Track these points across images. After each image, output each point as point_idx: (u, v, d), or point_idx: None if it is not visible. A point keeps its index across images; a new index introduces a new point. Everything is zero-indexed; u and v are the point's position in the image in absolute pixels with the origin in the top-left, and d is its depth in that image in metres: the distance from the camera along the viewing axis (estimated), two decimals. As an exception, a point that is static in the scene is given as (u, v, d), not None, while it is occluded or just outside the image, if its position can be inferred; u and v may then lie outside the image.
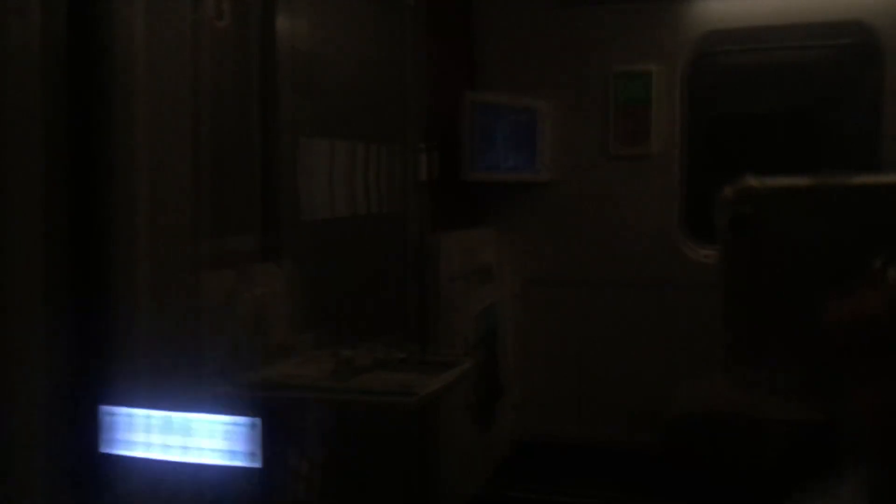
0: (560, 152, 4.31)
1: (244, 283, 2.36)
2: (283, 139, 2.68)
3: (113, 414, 1.25)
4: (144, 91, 1.18)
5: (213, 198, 2.27)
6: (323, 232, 2.89)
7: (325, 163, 2.91)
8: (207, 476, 1.51)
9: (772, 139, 4.29)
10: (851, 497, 0.56)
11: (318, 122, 2.90)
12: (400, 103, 3.52)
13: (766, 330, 0.56)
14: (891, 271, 0.50)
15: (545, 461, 4.17)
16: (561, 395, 4.29)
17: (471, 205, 4.34)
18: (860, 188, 0.55)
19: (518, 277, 4.32)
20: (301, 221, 2.76)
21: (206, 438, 1.46)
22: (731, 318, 0.57)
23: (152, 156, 1.19)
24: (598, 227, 4.26)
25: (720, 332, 0.57)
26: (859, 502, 0.54)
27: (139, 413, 1.27)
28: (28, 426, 1.19)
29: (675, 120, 4.17)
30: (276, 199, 2.66)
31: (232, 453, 1.56)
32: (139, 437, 1.29)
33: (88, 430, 1.21)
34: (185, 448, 1.42)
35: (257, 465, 1.53)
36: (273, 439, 2.45)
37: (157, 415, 1.30)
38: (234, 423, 1.53)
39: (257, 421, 1.48)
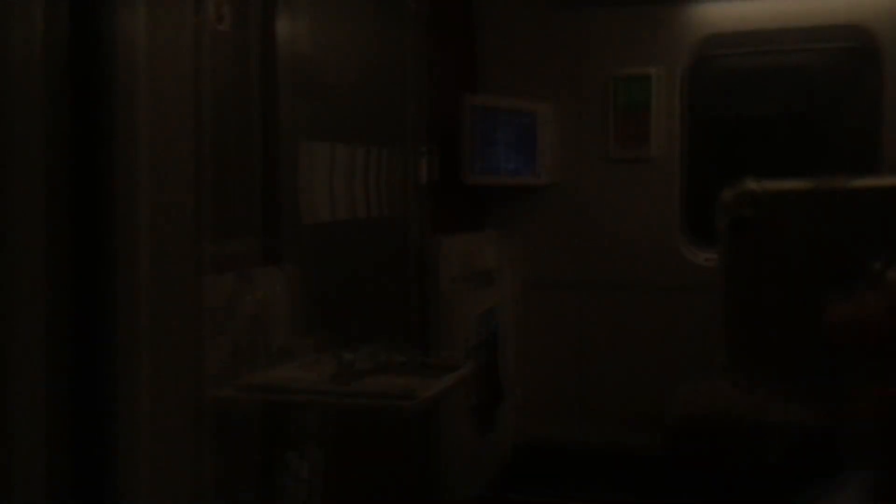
0: (560, 156, 4.31)
1: (245, 286, 2.36)
2: (285, 142, 2.68)
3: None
4: (146, 94, 1.18)
5: (215, 201, 2.28)
6: (324, 235, 2.89)
7: (325, 166, 2.91)
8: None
9: (771, 142, 4.30)
10: (853, 497, 0.56)
11: (319, 125, 2.90)
12: (401, 106, 3.52)
13: (766, 332, 0.56)
14: (890, 273, 0.51)
15: (546, 464, 4.17)
16: (562, 398, 4.30)
17: (471, 208, 4.34)
18: (859, 191, 0.56)
19: (518, 280, 4.33)
20: (302, 225, 2.76)
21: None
22: (731, 320, 0.57)
23: (154, 159, 1.19)
24: (598, 230, 4.27)
25: (720, 335, 0.58)
26: (861, 502, 0.54)
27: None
28: (26, 431, 1.19)
29: (675, 123, 4.18)
30: (278, 202, 2.67)
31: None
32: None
33: (88, 435, 1.21)
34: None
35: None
36: (274, 443, 2.45)
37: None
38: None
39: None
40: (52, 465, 1.20)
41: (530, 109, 4.24)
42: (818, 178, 0.54)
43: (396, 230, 3.49)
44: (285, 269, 2.61)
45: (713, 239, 0.56)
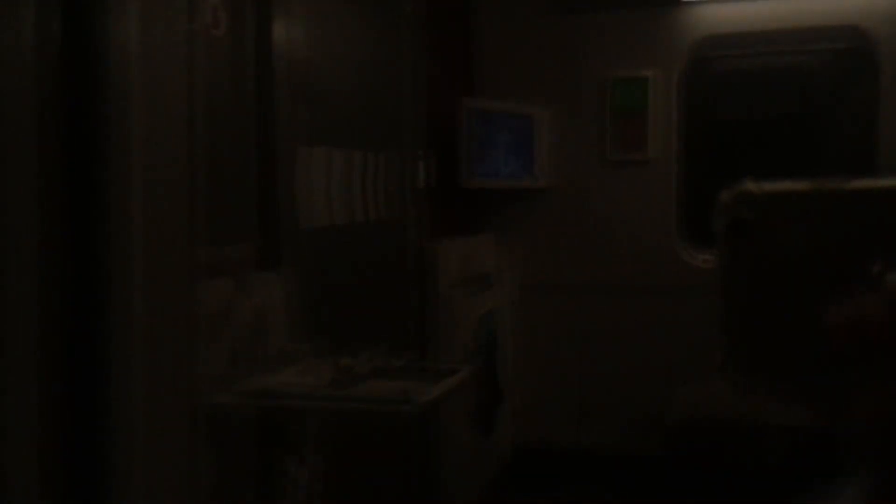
0: (558, 158, 4.32)
1: (242, 291, 2.35)
2: (282, 147, 2.68)
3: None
4: (139, 99, 1.17)
5: (211, 206, 2.27)
6: (321, 240, 2.89)
7: (323, 170, 2.91)
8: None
9: (768, 144, 4.30)
10: (852, 498, 0.56)
11: (316, 129, 2.90)
12: (398, 110, 3.52)
13: (764, 333, 0.56)
14: (888, 276, 0.50)
15: (545, 467, 4.17)
16: (560, 401, 4.29)
17: (469, 211, 4.34)
18: (857, 193, 0.55)
19: (517, 283, 4.32)
20: (299, 229, 2.76)
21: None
22: (729, 322, 0.57)
23: (148, 164, 1.19)
24: (596, 233, 4.27)
25: (719, 336, 0.57)
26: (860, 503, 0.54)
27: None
28: (19, 437, 1.18)
29: (672, 125, 4.18)
30: (275, 207, 2.66)
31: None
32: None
33: (82, 441, 1.20)
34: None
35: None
36: (272, 448, 2.45)
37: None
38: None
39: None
40: (46, 472, 1.19)
41: (527, 112, 4.24)
42: (816, 180, 0.54)
43: (394, 234, 3.48)
44: (283, 273, 2.61)
45: (711, 241, 0.56)
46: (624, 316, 4.21)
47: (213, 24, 2.41)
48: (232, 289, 2.32)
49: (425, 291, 3.57)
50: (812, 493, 0.63)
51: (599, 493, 3.98)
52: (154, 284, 1.17)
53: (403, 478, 3.35)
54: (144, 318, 1.16)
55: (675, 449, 3.85)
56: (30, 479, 1.17)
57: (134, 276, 1.14)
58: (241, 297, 2.34)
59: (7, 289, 1.15)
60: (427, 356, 3.34)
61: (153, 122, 1.20)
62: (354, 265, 3.10)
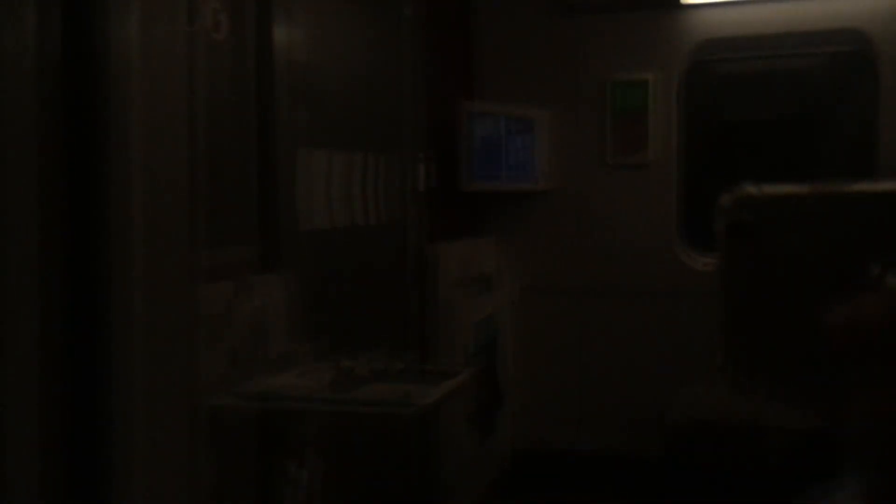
0: (558, 161, 4.32)
1: (243, 293, 2.35)
2: (282, 150, 2.68)
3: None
4: (139, 102, 1.18)
5: (212, 208, 2.27)
6: (322, 242, 2.89)
7: (323, 173, 2.91)
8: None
9: (769, 146, 4.30)
10: (850, 500, 0.56)
11: (316, 132, 2.90)
12: (398, 113, 3.53)
13: (765, 337, 0.56)
14: (889, 278, 0.50)
15: (545, 470, 4.16)
16: (561, 404, 4.29)
17: (469, 214, 4.34)
18: (858, 195, 0.55)
19: (517, 286, 4.32)
20: (300, 232, 2.76)
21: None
22: (730, 325, 0.57)
23: (148, 167, 1.19)
24: (596, 236, 4.27)
25: (718, 339, 0.57)
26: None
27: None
28: (20, 440, 1.18)
29: (673, 128, 4.18)
30: (275, 209, 2.66)
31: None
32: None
33: (83, 443, 1.20)
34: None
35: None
36: (272, 450, 2.44)
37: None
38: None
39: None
40: (47, 473, 1.19)
41: (528, 115, 4.25)
42: (817, 183, 0.54)
43: (395, 237, 3.48)
44: (283, 276, 2.61)
45: (711, 244, 0.56)
46: (624, 318, 4.21)
47: (214, 27, 2.41)
48: (232, 291, 2.32)
49: (425, 294, 3.57)
50: (811, 495, 0.63)
51: (599, 495, 3.98)
52: (154, 287, 1.17)
53: (403, 480, 3.35)
54: (145, 320, 1.16)
55: (674, 451, 3.85)
56: (31, 479, 1.17)
57: (134, 278, 1.15)
58: (242, 299, 2.34)
59: (8, 291, 1.15)
60: (427, 359, 3.34)
61: (153, 125, 1.20)
62: (355, 268, 3.10)
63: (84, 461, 1.20)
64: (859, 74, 4.01)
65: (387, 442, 3.11)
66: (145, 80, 1.17)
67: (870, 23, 3.86)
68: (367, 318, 3.11)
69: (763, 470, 3.23)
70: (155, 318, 1.18)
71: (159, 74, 1.21)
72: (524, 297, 4.34)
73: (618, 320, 4.23)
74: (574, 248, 4.30)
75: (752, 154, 4.32)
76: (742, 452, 3.44)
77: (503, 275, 4.23)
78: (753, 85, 4.32)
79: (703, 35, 4.13)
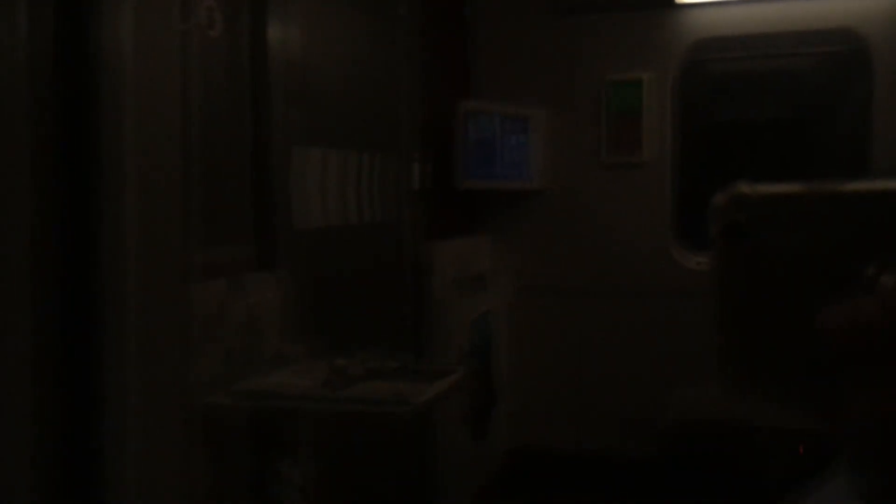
0: (553, 160, 4.32)
1: (237, 292, 2.35)
2: (277, 148, 2.67)
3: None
4: (132, 100, 1.17)
5: (206, 207, 2.27)
6: (316, 241, 2.88)
7: (318, 171, 2.90)
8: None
9: (763, 146, 4.31)
10: (843, 499, 0.56)
11: (311, 130, 2.90)
12: (394, 111, 3.52)
13: (759, 337, 0.56)
14: (884, 278, 0.50)
15: (540, 470, 4.16)
16: (556, 404, 4.29)
17: (464, 213, 4.34)
18: (853, 195, 0.55)
19: (512, 285, 4.32)
20: (295, 230, 2.76)
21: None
22: (724, 326, 0.57)
23: (141, 165, 1.18)
24: (591, 235, 4.27)
25: (713, 340, 0.57)
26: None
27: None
28: (12, 440, 1.18)
29: (668, 127, 4.19)
30: (270, 208, 2.66)
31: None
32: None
33: (76, 443, 1.20)
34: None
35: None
36: (267, 450, 2.44)
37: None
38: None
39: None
40: (41, 475, 1.19)
41: (523, 114, 4.24)
42: (812, 182, 0.53)
43: (389, 235, 3.48)
44: (278, 274, 2.61)
45: (706, 243, 0.56)
46: (619, 318, 4.21)
47: (209, 25, 2.41)
48: (226, 290, 2.32)
49: (420, 293, 3.56)
50: (807, 496, 0.62)
51: (594, 495, 3.98)
52: (148, 286, 1.16)
53: (398, 479, 3.35)
54: (138, 319, 1.15)
55: (670, 451, 3.85)
56: (25, 479, 1.17)
57: (127, 277, 1.14)
58: (236, 298, 2.34)
59: (0, 290, 1.15)
60: (422, 357, 3.34)
61: (146, 123, 1.19)
62: (349, 266, 3.10)
63: (78, 461, 1.19)
64: (853, 74, 4.01)
65: (381, 441, 3.11)
66: (138, 78, 1.17)
67: (864, 23, 3.86)
68: (362, 317, 3.10)
69: (758, 470, 3.24)
70: (148, 317, 1.18)
71: (152, 72, 1.20)
72: (519, 296, 4.34)
73: (613, 320, 4.23)
74: (569, 247, 4.30)
75: (747, 153, 4.33)
76: (737, 453, 3.44)
77: (498, 274, 4.22)
78: (748, 84, 4.33)
79: (698, 35, 4.13)
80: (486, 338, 4.04)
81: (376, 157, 3.30)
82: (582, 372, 4.26)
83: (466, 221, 4.34)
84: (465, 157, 4.04)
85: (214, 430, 2.20)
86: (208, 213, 2.33)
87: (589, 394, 4.23)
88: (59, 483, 1.21)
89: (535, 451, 4.22)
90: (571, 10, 4.25)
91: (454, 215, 4.22)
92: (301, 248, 2.78)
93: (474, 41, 4.39)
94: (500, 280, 4.23)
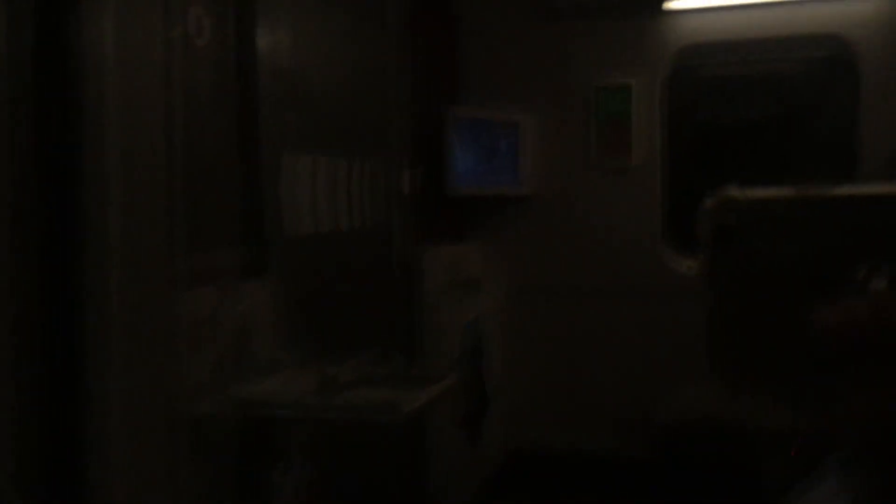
0: (543, 165, 4.33)
1: (228, 299, 2.34)
2: (268, 154, 2.67)
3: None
4: (115, 106, 1.16)
5: (196, 213, 2.26)
6: (307, 247, 2.88)
7: (309, 178, 2.90)
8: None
9: (751, 150, 4.33)
10: (835, 500, 0.56)
11: (302, 137, 2.89)
12: (384, 117, 3.52)
13: (749, 340, 0.56)
14: (874, 281, 0.50)
15: (534, 472, 4.16)
16: (549, 406, 4.29)
17: (455, 218, 4.34)
18: (843, 199, 0.55)
19: (503, 289, 4.33)
20: (285, 236, 2.75)
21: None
22: (714, 329, 0.57)
23: (125, 171, 1.18)
24: (581, 239, 4.28)
25: (704, 343, 0.58)
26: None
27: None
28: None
29: (656, 132, 4.20)
30: (260, 214, 2.66)
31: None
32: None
33: (60, 450, 1.19)
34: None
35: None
36: (258, 457, 2.43)
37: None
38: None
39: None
40: (23, 483, 1.18)
41: (513, 120, 4.25)
42: (801, 185, 0.54)
43: (380, 241, 3.48)
44: (268, 281, 2.60)
45: (696, 247, 0.56)
46: (610, 321, 4.22)
47: (197, 33, 2.40)
48: (217, 297, 2.31)
49: (411, 298, 3.56)
50: (800, 496, 0.63)
51: (588, 496, 3.98)
52: (132, 292, 1.16)
53: (391, 486, 3.34)
54: (122, 326, 1.14)
55: (663, 452, 3.85)
56: (9, 489, 1.16)
57: (111, 284, 1.13)
58: (226, 304, 2.33)
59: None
60: (413, 363, 3.33)
61: (130, 130, 1.19)
62: (340, 272, 3.09)
63: (62, 467, 1.18)
64: (840, 79, 4.04)
65: (373, 447, 3.10)
66: (121, 84, 1.16)
67: (849, 28, 3.89)
68: (353, 323, 3.10)
69: (753, 470, 3.25)
70: (132, 323, 1.17)
71: (135, 78, 1.20)
72: (510, 300, 4.34)
73: (604, 323, 4.24)
74: (559, 251, 4.31)
75: (735, 158, 4.34)
76: (730, 452, 3.45)
77: (489, 279, 4.23)
78: (735, 89, 4.35)
79: (685, 40, 4.15)
80: (478, 342, 4.04)
81: (367, 163, 3.30)
82: (574, 374, 4.27)
83: (457, 226, 4.34)
84: (456, 162, 4.04)
85: (206, 437, 2.19)
86: (198, 219, 2.32)
87: (581, 396, 4.24)
88: (43, 491, 1.20)
89: (530, 453, 4.22)
90: (560, 17, 4.26)
91: (444, 220, 4.22)
92: (292, 254, 2.77)
93: (464, 47, 4.39)
94: (491, 285, 4.24)
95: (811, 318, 0.51)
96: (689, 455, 3.70)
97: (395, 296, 3.50)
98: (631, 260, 4.19)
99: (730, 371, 0.56)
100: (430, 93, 3.97)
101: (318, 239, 2.95)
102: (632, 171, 4.21)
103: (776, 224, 0.56)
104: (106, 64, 1.15)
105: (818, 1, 3.94)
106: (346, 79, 3.28)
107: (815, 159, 4.20)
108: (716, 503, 3.20)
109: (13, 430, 1.17)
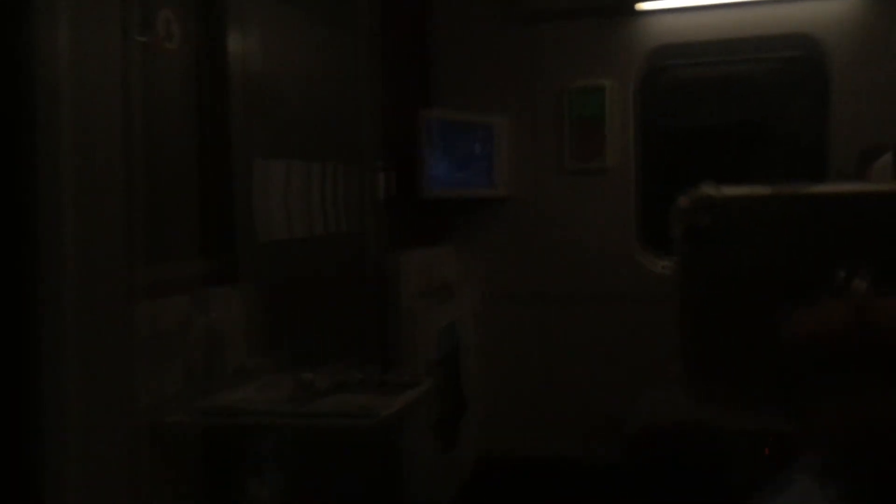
0: (517, 168, 4.32)
1: (199, 307, 2.31)
2: (239, 160, 2.64)
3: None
4: (69, 112, 1.13)
5: (166, 221, 2.23)
6: (280, 253, 2.85)
7: (281, 183, 2.87)
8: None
9: (724, 150, 4.35)
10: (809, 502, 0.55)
11: (273, 142, 2.87)
12: (356, 121, 3.50)
13: (724, 343, 0.55)
14: (856, 282, 0.49)
15: (509, 476, 4.15)
16: (524, 411, 4.28)
17: (429, 222, 4.32)
18: (820, 197, 0.54)
19: (478, 294, 4.32)
20: (258, 243, 2.72)
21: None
22: (687, 330, 0.56)
23: (80, 180, 1.15)
24: (556, 242, 4.28)
25: (677, 345, 0.56)
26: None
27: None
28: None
29: (630, 133, 4.21)
30: (232, 220, 2.62)
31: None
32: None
33: (14, 463, 1.16)
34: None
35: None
36: (232, 466, 2.40)
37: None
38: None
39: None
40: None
41: (486, 122, 4.25)
42: (776, 184, 0.53)
43: (354, 246, 3.45)
44: (241, 288, 2.57)
45: (670, 247, 0.55)
46: (585, 324, 4.22)
47: (166, 37, 2.37)
48: (188, 305, 2.27)
49: (386, 303, 3.54)
50: (774, 497, 0.62)
51: (563, 500, 3.97)
52: (88, 303, 1.13)
53: (366, 492, 3.32)
54: (78, 337, 1.11)
55: (637, 455, 3.86)
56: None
57: (66, 294, 1.10)
58: (198, 313, 2.30)
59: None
60: (389, 368, 3.31)
61: (85, 135, 1.16)
62: (314, 278, 3.06)
63: (19, 485, 1.15)
64: (811, 79, 4.07)
65: (349, 453, 3.08)
66: (76, 89, 1.13)
67: (820, 28, 3.92)
68: (328, 329, 3.07)
69: (725, 473, 3.26)
70: (89, 332, 1.14)
71: (91, 83, 1.17)
72: (485, 304, 4.33)
73: (579, 326, 4.24)
74: (534, 254, 4.30)
75: (708, 158, 4.37)
76: (704, 456, 3.46)
77: (464, 282, 4.21)
78: (708, 90, 4.37)
79: (658, 41, 4.17)
80: (454, 347, 4.03)
81: (340, 168, 3.27)
82: (549, 378, 4.26)
83: (431, 230, 4.32)
84: (430, 165, 4.03)
85: (178, 448, 2.15)
86: (169, 227, 2.29)
87: (557, 399, 4.23)
88: None
89: (505, 458, 4.21)
90: (533, 19, 4.26)
91: (419, 224, 4.20)
92: (265, 260, 2.74)
93: (436, 49, 4.38)
94: (466, 288, 4.22)
95: (786, 322, 0.50)
96: (660, 459, 3.71)
97: (370, 301, 3.48)
98: (605, 262, 4.19)
99: (702, 374, 0.55)
100: (402, 96, 3.96)
101: (291, 244, 2.92)
102: (606, 172, 4.22)
103: (752, 223, 0.54)
104: (60, 68, 1.12)
105: (789, 1, 3.98)
106: (318, 83, 3.26)
107: (786, 158, 4.23)
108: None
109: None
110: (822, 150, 3.97)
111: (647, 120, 4.24)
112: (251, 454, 2.47)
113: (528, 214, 4.32)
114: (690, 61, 4.29)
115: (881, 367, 0.46)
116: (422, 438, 3.59)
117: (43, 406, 1.13)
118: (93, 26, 1.17)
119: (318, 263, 3.13)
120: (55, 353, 1.12)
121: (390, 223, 3.62)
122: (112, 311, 1.18)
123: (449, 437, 3.92)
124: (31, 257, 1.12)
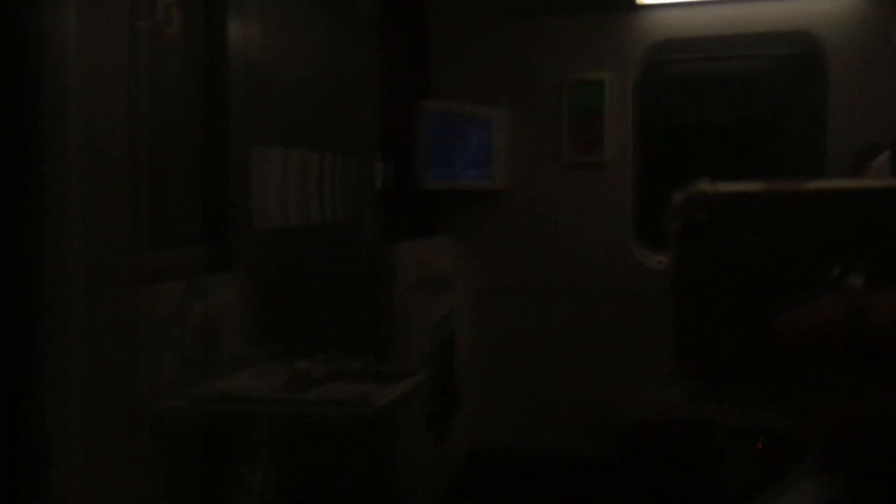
0: (515, 161, 4.32)
1: (194, 294, 2.31)
2: (236, 147, 2.63)
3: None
4: (76, 98, 1.13)
5: (163, 207, 2.23)
6: (276, 241, 2.85)
7: (278, 171, 2.87)
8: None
9: (722, 146, 4.36)
10: (805, 501, 0.55)
11: (271, 130, 2.86)
12: (355, 111, 3.49)
13: (718, 339, 0.55)
14: (852, 279, 0.49)
15: (502, 470, 4.16)
16: (517, 404, 4.29)
17: (426, 214, 4.32)
18: (816, 193, 0.54)
19: (473, 286, 4.32)
20: (254, 231, 2.72)
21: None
22: (681, 326, 0.56)
23: (85, 165, 1.14)
24: (552, 235, 4.28)
25: (671, 341, 0.56)
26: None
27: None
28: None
29: (628, 127, 4.21)
30: (228, 208, 2.62)
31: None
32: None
33: (17, 449, 1.16)
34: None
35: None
36: (226, 454, 2.40)
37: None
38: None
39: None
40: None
41: (484, 115, 4.24)
42: (772, 180, 0.53)
43: (351, 236, 3.45)
44: (237, 276, 2.57)
45: (666, 243, 0.55)
46: (580, 318, 4.23)
47: (166, 22, 2.36)
48: (183, 292, 2.27)
49: (381, 294, 3.54)
50: (765, 496, 0.62)
51: (555, 495, 3.99)
52: (92, 289, 1.13)
53: (359, 482, 3.32)
54: (81, 323, 1.12)
55: (629, 451, 3.87)
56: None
57: (71, 280, 1.10)
58: (193, 300, 2.30)
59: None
60: (383, 359, 3.31)
61: (91, 123, 1.16)
62: (310, 267, 3.06)
63: (20, 469, 1.15)
64: (810, 75, 4.07)
65: (343, 443, 3.08)
66: (83, 75, 1.13)
67: (820, 25, 3.92)
68: (323, 319, 3.07)
69: (718, 469, 3.27)
70: (92, 320, 1.14)
71: (98, 69, 1.17)
72: (481, 296, 4.34)
73: (574, 320, 4.24)
74: (530, 247, 4.31)
75: (706, 153, 4.37)
76: (697, 452, 3.47)
77: (459, 274, 4.22)
78: (707, 85, 4.37)
79: (658, 35, 4.16)
80: (448, 339, 4.03)
81: (337, 157, 3.27)
82: (543, 372, 4.27)
83: (428, 222, 4.32)
84: (427, 157, 4.02)
85: (172, 435, 2.15)
86: (165, 213, 2.28)
87: (550, 394, 4.24)
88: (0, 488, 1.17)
89: (498, 452, 4.22)
90: (533, 11, 4.26)
91: (415, 216, 4.20)
92: (260, 248, 2.74)
93: (436, 41, 4.37)
94: (461, 281, 4.23)
95: (781, 318, 0.50)
96: (653, 455, 3.72)
97: (366, 291, 3.48)
98: (602, 255, 4.20)
99: (695, 371, 0.55)
100: (401, 87, 3.95)
101: (287, 233, 2.92)
102: (604, 166, 4.22)
103: (748, 219, 0.54)
104: (67, 54, 1.11)
105: (789, -2, 3.98)
106: (317, 72, 3.25)
107: (783, 155, 4.24)
108: (678, 503, 3.22)
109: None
110: (820, 147, 3.97)
111: (646, 114, 4.24)
112: (245, 441, 2.47)
113: (524, 207, 4.32)
114: (690, 56, 4.29)
115: (877, 364, 0.46)
116: (416, 429, 3.59)
117: (46, 393, 1.13)
118: (100, 10, 1.16)
119: (314, 252, 3.13)
120: (59, 340, 1.12)
121: (387, 214, 3.62)
122: (117, 297, 1.18)
123: (442, 428, 3.93)
124: (36, 241, 1.12)
